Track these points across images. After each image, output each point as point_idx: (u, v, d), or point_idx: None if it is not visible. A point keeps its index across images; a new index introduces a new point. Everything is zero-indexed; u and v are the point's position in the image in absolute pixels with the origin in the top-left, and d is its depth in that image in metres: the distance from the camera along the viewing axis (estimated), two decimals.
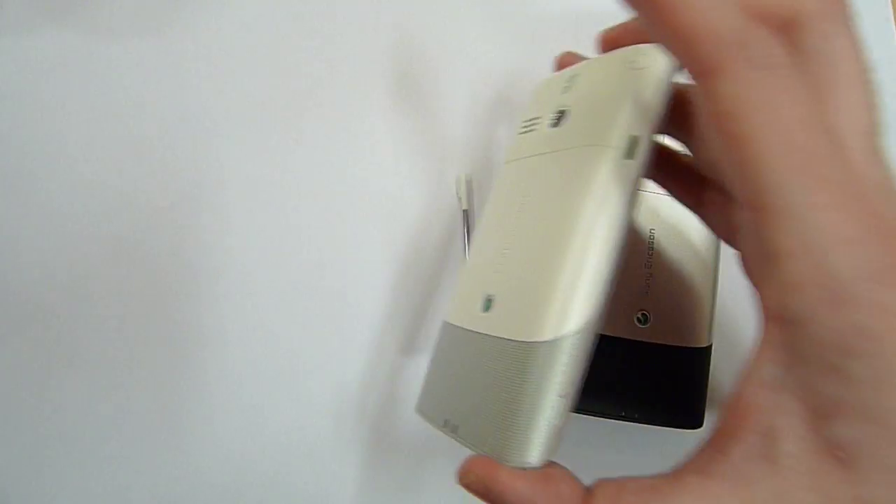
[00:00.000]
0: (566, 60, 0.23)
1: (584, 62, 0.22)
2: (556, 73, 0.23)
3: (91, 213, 0.28)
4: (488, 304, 0.20)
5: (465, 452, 0.18)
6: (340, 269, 0.29)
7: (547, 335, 0.17)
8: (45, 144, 0.29)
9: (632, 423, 0.25)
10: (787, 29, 0.16)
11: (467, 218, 0.27)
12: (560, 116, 0.21)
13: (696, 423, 0.25)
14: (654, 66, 0.19)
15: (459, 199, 0.28)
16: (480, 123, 0.30)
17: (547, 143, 0.21)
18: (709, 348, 0.25)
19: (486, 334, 0.19)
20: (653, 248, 0.26)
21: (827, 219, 0.14)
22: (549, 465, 0.17)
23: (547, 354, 0.17)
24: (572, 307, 0.17)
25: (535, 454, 0.17)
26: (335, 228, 0.29)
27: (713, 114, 0.15)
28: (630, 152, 0.18)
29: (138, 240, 0.28)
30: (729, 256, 0.21)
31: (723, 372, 0.26)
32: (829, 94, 0.16)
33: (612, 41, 0.21)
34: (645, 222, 0.26)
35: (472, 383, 0.19)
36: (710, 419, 0.25)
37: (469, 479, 0.17)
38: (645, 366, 0.25)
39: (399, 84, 0.31)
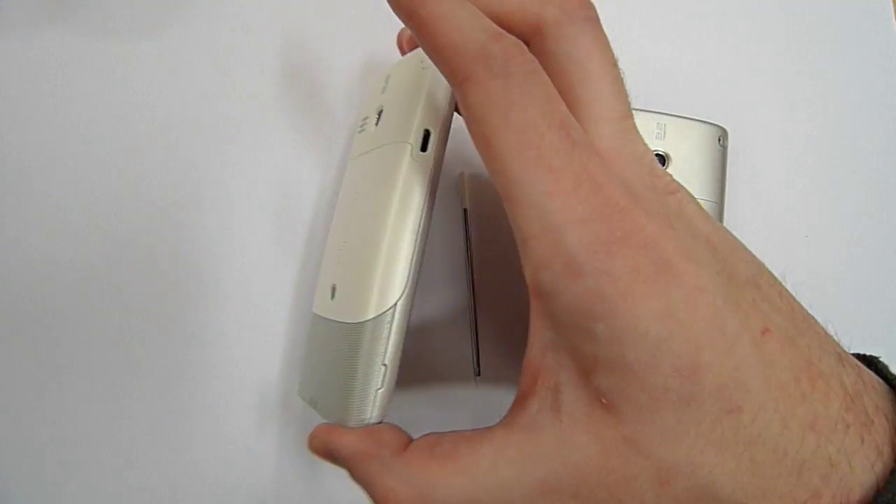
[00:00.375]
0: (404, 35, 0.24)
1: (395, 63, 0.24)
2: (379, 76, 0.26)
3: (91, 213, 0.28)
4: (333, 293, 0.23)
5: None
6: None
7: (370, 315, 0.20)
8: (45, 144, 0.29)
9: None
10: (533, 38, 0.18)
11: (467, 217, 0.28)
12: (379, 116, 0.24)
13: None
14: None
15: (462, 197, 0.28)
16: None
17: (370, 142, 0.24)
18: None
19: (332, 319, 0.22)
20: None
21: (559, 203, 0.16)
22: (379, 423, 0.20)
23: (370, 331, 0.20)
24: (388, 289, 0.20)
25: (366, 414, 0.20)
26: None
27: (466, 120, 0.17)
28: (424, 146, 0.21)
29: (139, 239, 0.28)
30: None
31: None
32: (574, 91, 0.18)
33: (411, 41, 0.23)
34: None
35: (323, 363, 0.22)
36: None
37: (314, 444, 0.20)
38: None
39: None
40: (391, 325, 0.20)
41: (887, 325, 0.29)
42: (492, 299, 0.27)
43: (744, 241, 0.19)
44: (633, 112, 0.20)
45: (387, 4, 0.17)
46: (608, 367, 0.16)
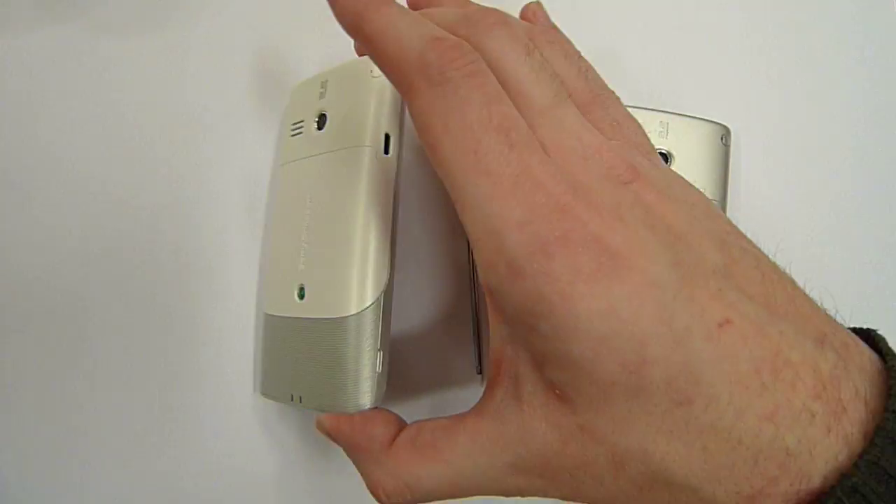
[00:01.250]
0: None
1: (329, 70, 0.26)
2: (309, 79, 0.27)
3: (90, 211, 0.28)
4: (302, 293, 0.24)
5: None
6: None
7: (353, 310, 0.22)
8: (44, 142, 0.28)
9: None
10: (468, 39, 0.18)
11: None
12: (321, 120, 0.25)
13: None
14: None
15: None
16: None
17: (315, 146, 0.25)
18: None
19: (306, 317, 0.23)
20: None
21: (498, 207, 0.16)
22: (376, 409, 0.21)
23: (356, 323, 0.22)
24: (367, 283, 0.22)
25: (364, 399, 0.22)
26: None
27: (416, 129, 0.18)
28: (386, 148, 0.23)
29: (138, 238, 0.28)
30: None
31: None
32: (509, 86, 0.17)
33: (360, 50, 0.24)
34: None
35: (303, 359, 0.23)
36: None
37: (321, 428, 0.21)
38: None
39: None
40: (380, 314, 0.22)
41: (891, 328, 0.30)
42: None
43: None
44: (636, 111, 0.21)
45: None
46: (556, 362, 0.16)
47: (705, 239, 0.17)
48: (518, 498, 0.19)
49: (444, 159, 0.17)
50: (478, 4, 0.20)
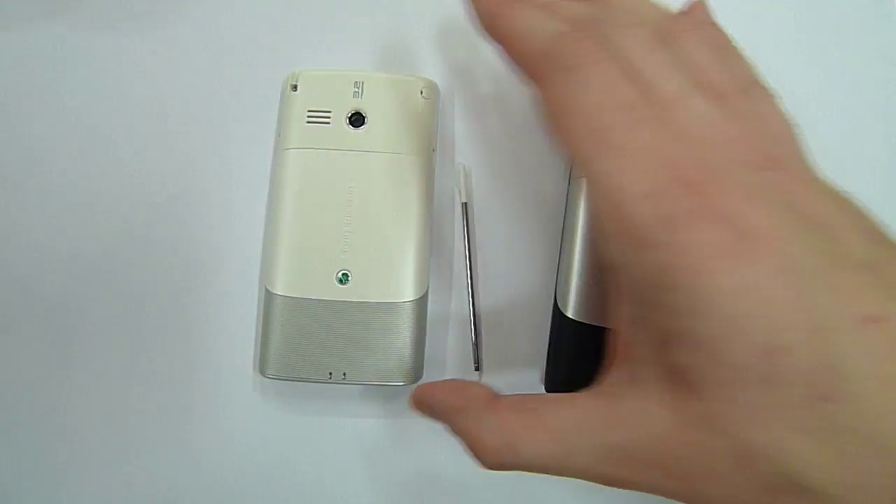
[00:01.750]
0: None
1: (364, 73, 0.27)
2: (329, 72, 0.28)
3: (89, 208, 0.28)
4: (345, 279, 0.25)
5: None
6: None
7: (411, 296, 0.26)
8: (43, 139, 0.29)
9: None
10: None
11: (467, 210, 0.28)
12: (358, 119, 0.27)
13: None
14: (435, 98, 0.28)
15: (458, 191, 0.28)
16: (476, 115, 0.29)
17: (351, 141, 0.27)
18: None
19: (354, 301, 0.25)
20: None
21: (625, 180, 0.16)
22: (470, 381, 0.21)
23: (414, 308, 0.26)
24: (421, 275, 0.26)
25: (418, 373, 0.26)
26: None
27: (544, 114, 0.19)
28: (431, 159, 0.27)
29: (137, 234, 0.28)
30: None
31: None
32: (636, 75, 0.17)
33: None
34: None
35: (347, 339, 0.25)
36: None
37: (416, 402, 0.21)
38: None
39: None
40: (425, 302, 0.26)
41: None
42: (491, 293, 0.28)
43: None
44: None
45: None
46: (682, 342, 0.15)
47: (853, 232, 0.16)
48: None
49: (573, 138, 0.17)
50: None
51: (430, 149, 0.27)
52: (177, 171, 0.29)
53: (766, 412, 0.15)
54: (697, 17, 0.20)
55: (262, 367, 0.26)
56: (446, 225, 0.28)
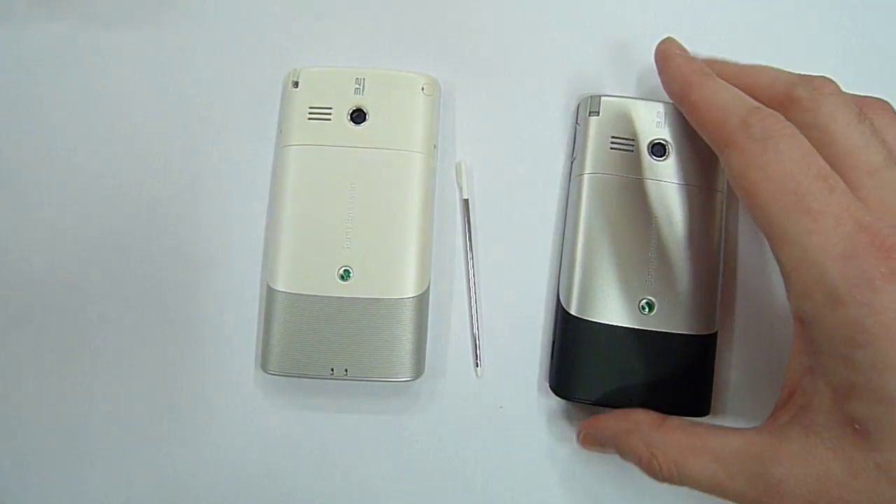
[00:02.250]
0: (669, 48, 0.25)
1: (365, 70, 0.27)
2: (330, 69, 0.28)
3: (88, 205, 0.28)
4: (346, 275, 0.26)
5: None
6: None
7: (413, 292, 0.26)
8: (41, 136, 0.29)
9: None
10: (785, 108, 0.21)
11: (467, 207, 0.28)
12: (359, 115, 0.27)
13: (702, 409, 0.25)
14: (437, 95, 0.28)
15: (459, 187, 0.29)
16: (476, 110, 0.29)
17: (352, 138, 0.27)
18: (714, 335, 0.26)
19: (356, 297, 0.25)
20: (656, 236, 0.26)
21: (820, 240, 0.17)
22: (632, 409, 0.23)
23: (415, 304, 0.26)
24: (422, 272, 0.26)
25: (420, 368, 0.26)
26: None
27: (731, 177, 0.20)
28: (432, 156, 0.27)
29: (136, 232, 0.28)
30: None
31: (726, 358, 0.27)
32: (825, 150, 0.19)
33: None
34: (647, 210, 0.26)
35: (349, 335, 0.25)
36: (716, 405, 0.26)
37: (585, 438, 0.23)
38: (651, 354, 0.25)
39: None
40: (426, 300, 0.26)
41: None
42: (492, 289, 0.28)
43: (746, 234, 0.24)
44: (633, 101, 0.26)
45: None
46: (865, 395, 0.17)
47: None
48: None
49: (762, 201, 0.19)
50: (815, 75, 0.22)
51: (431, 145, 0.27)
52: (178, 168, 0.29)
53: None
54: (880, 102, 0.22)
55: (263, 364, 0.26)
56: (448, 221, 0.28)
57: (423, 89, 0.27)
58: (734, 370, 0.27)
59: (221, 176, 0.29)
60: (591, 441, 0.24)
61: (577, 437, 0.24)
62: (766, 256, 0.28)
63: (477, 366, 0.28)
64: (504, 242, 0.28)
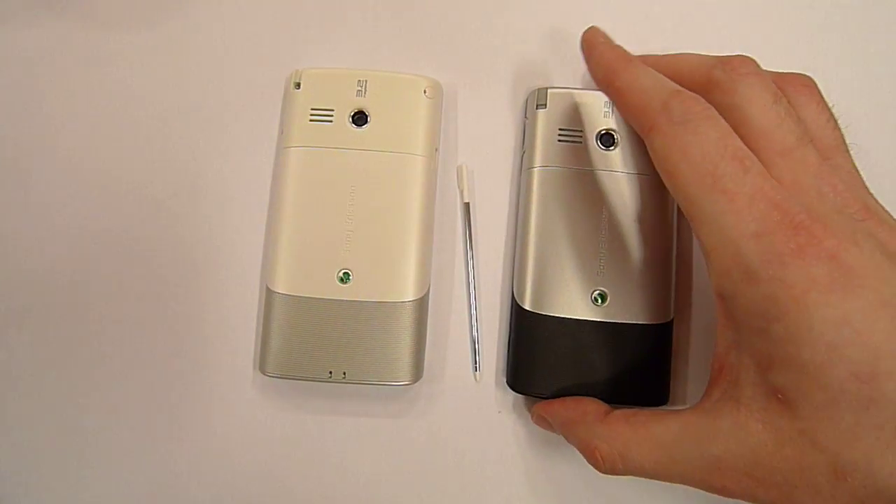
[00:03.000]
0: (594, 37, 0.25)
1: (367, 71, 0.27)
2: (333, 70, 0.27)
3: (89, 205, 0.28)
4: (346, 278, 0.25)
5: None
6: None
7: (413, 296, 0.25)
8: (42, 136, 0.29)
9: None
10: (706, 91, 0.21)
11: (468, 210, 0.28)
12: (360, 118, 0.27)
13: (661, 399, 0.25)
14: (439, 98, 0.27)
15: (461, 191, 0.28)
16: (478, 114, 0.29)
17: (353, 140, 0.26)
18: (670, 324, 0.26)
19: (355, 300, 0.25)
20: (607, 226, 0.26)
21: (734, 220, 0.18)
22: (580, 396, 0.24)
23: (414, 308, 0.25)
24: (422, 275, 0.26)
25: (418, 372, 0.26)
26: None
27: (654, 160, 0.21)
28: (434, 159, 0.27)
29: (137, 232, 0.28)
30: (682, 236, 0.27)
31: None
32: (742, 130, 0.20)
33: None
34: (598, 201, 0.26)
35: (348, 338, 0.25)
36: (675, 393, 0.26)
37: (535, 418, 0.24)
38: (606, 345, 0.25)
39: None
40: (426, 304, 0.26)
41: None
42: (492, 294, 0.28)
43: None
44: (579, 92, 0.26)
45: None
46: (784, 365, 0.17)
47: None
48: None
49: (682, 182, 0.19)
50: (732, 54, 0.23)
51: (432, 148, 0.27)
52: (179, 169, 0.29)
53: (863, 432, 0.16)
54: (802, 79, 0.22)
55: (262, 365, 0.26)
56: (448, 224, 0.28)
57: (425, 92, 0.27)
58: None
59: (222, 176, 0.29)
60: (543, 424, 0.25)
61: (532, 417, 0.25)
62: None
63: (476, 370, 0.27)
64: (503, 246, 0.28)
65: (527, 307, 0.26)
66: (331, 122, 0.27)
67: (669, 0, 0.30)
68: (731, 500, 0.20)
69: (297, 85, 0.27)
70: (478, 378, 0.27)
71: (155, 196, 0.28)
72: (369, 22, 0.30)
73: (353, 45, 0.30)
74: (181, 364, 0.27)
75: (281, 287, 0.26)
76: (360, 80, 0.27)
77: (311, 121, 0.27)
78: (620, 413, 0.22)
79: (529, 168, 0.27)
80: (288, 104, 0.28)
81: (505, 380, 0.27)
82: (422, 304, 0.26)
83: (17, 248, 0.28)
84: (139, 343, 0.28)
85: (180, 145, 0.29)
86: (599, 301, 0.25)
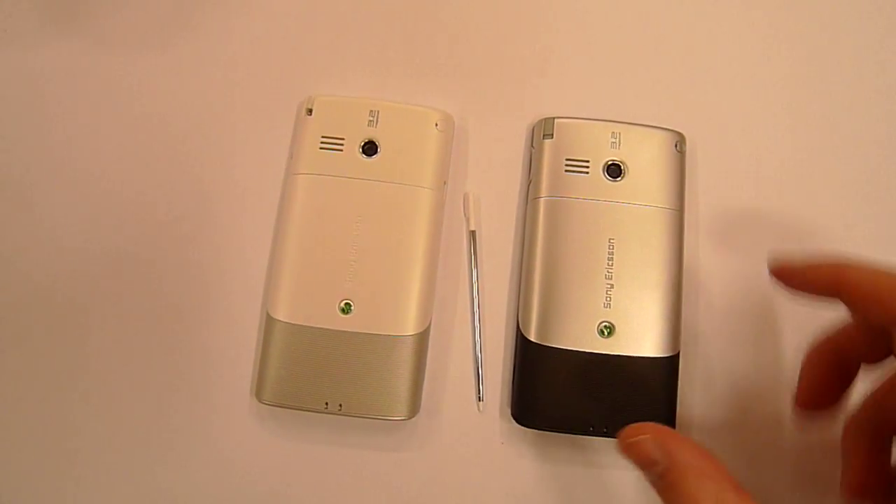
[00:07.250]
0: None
1: (379, 101, 0.27)
2: (344, 98, 0.28)
3: (96, 225, 0.29)
4: (348, 309, 0.25)
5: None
6: None
7: (413, 330, 0.25)
8: (52, 155, 0.29)
9: (600, 438, 0.25)
10: None
11: (474, 238, 0.28)
12: (371, 148, 0.27)
13: None
14: (450, 131, 0.27)
15: (467, 218, 0.28)
16: (486, 142, 0.29)
17: (362, 170, 0.26)
18: (677, 356, 0.25)
19: (356, 332, 0.25)
20: (614, 258, 0.25)
21: None
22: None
23: (415, 342, 0.25)
24: (424, 310, 0.26)
25: (416, 406, 0.25)
26: None
27: None
28: (442, 192, 0.27)
29: (144, 252, 0.28)
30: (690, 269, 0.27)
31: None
32: None
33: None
34: (604, 232, 0.26)
35: (347, 370, 0.25)
36: (679, 427, 0.25)
37: (641, 442, 0.19)
38: (613, 378, 0.24)
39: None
40: (426, 339, 0.26)
41: None
42: (496, 323, 0.28)
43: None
44: (587, 122, 0.26)
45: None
46: None
47: None
48: None
49: None
50: None
51: (441, 182, 0.27)
52: (185, 191, 0.29)
53: None
54: None
55: (258, 393, 0.26)
56: (453, 252, 0.28)
57: (436, 125, 0.27)
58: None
59: (229, 201, 0.29)
60: (642, 455, 0.19)
61: (621, 437, 0.20)
62: (727, 275, 0.28)
63: (479, 400, 0.27)
64: (509, 275, 0.28)
65: (532, 338, 0.25)
66: (341, 150, 0.27)
67: (675, 34, 0.31)
68: None
69: (309, 111, 0.27)
70: (481, 408, 0.27)
71: (160, 218, 0.28)
72: (380, 51, 0.30)
73: (364, 72, 0.30)
74: (179, 387, 0.27)
75: (282, 314, 0.26)
76: (371, 111, 0.27)
77: (321, 148, 0.27)
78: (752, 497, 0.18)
79: (536, 198, 0.27)
80: (299, 130, 0.28)
81: (509, 411, 0.26)
82: (422, 339, 0.26)
83: (21, 267, 0.28)
84: (137, 364, 0.27)
85: (188, 168, 0.29)
86: (606, 333, 0.25)
